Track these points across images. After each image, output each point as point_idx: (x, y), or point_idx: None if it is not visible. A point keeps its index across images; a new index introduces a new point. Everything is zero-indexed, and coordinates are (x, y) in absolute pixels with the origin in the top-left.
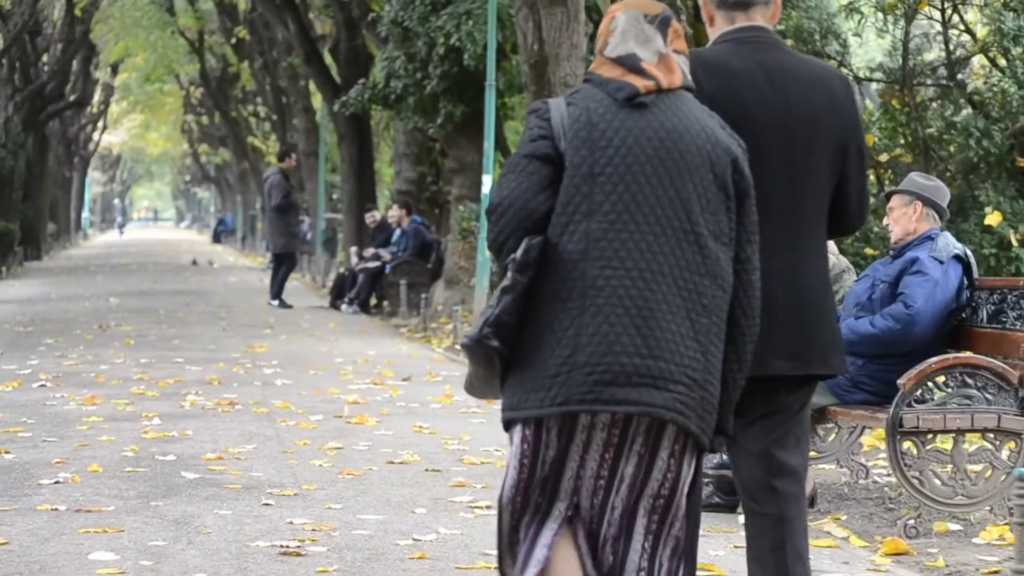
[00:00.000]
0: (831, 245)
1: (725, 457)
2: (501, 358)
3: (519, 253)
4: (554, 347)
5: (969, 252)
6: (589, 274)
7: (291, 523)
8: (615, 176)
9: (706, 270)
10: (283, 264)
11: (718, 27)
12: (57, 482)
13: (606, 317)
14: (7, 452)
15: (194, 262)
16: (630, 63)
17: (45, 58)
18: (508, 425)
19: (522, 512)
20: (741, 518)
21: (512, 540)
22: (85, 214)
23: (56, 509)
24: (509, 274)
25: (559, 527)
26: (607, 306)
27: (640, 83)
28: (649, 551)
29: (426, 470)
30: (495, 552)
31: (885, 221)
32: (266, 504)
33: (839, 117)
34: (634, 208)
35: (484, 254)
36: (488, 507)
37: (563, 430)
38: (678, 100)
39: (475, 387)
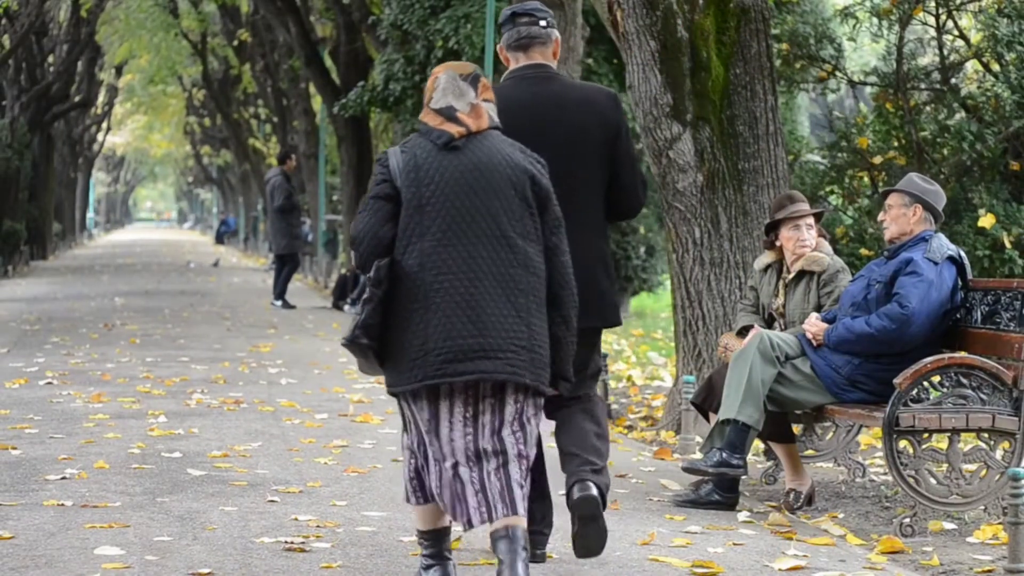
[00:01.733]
0: (827, 247)
1: (725, 455)
2: (372, 350)
3: (371, 273)
4: (412, 339)
5: (963, 253)
6: (427, 281)
7: (296, 519)
8: (438, 204)
9: (518, 263)
10: (286, 265)
11: (510, 65)
12: (64, 478)
13: (444, 312)
14: (14, 448)
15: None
16: (448, 113)
17: (51, 59)
18: (393, 395)
19: (418, 465)
20: (741, 515)
21: (414, 484)
22: (90, 214)
23: (62, 504)
24: (368, 289)
25: (449, 481)
26: (444, 303)
27: (454, 129)
28: (516, 468)
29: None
30: (403, 488)
31: (880, 218)
32: (271, 501)
33: (606, 130)
34: (455, 227)
35: None
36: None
37: (430, 399)
38: (486, 138)
39: (364, 369)
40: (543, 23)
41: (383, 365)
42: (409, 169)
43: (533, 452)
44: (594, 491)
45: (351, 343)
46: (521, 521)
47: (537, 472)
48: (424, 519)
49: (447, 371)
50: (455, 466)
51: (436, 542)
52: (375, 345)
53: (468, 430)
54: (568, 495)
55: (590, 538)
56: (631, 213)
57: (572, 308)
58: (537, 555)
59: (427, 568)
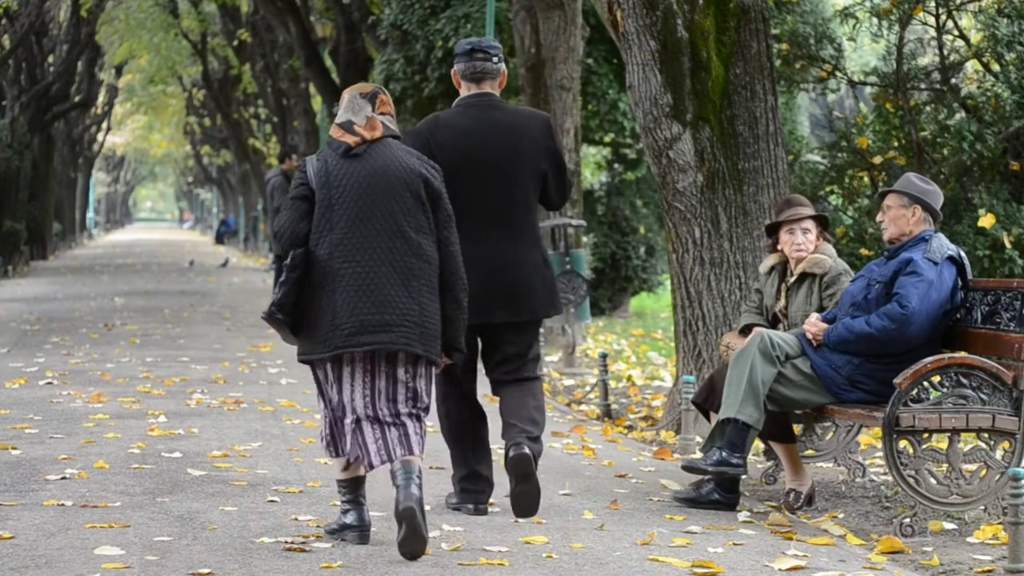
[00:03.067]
0: (830, 249)
1: (724, 454)
2: (287, 325)
3: (288, 260)
4: (322, 316)
5: (963, 253)
6: (335, 267)
7: (296, 519)
8: (345, 203)
9: (412, 253)
10: None
11: (462, 92)
12: (64, 478)
13: (349, 293)
14: (14, 448)
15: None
16: (347, 127)
17: (51, 59)
18: (304, 362)
19: (332, 423)
20: (741, 515)
21: (327, 440)
22: (90, 214)
23: (62, 504)
24: (285, 273)
25: (352, 429)
26: (349, 286)
27: (350, 139)
28: (412, 421)
29: (430, 468)
30: (324, 443)
31: (879, 218)
32: (271, 501)
33: (537, 150)
34: (359, 222)
35: None
36: (491, 504)
37: (334, 366)
38: (384, 146)
39: (285, 339)
40: (495, 59)
41: (296, 335)
42: (321, 175)
43: (427, 410)
44: (527, 451)
45: (269, 318)
46: (415, 459)
47: (482, 436)
48: (341, 469)
49: (352, 342)
50: (356, 421)
51: (353, 489)
52: (289, 320)
53: (366, 392)
54: (505, 456)
55: (527, 495)
56: (557, 208)
57: (461, 291)
58: (480, 508)
59: (345, 512)
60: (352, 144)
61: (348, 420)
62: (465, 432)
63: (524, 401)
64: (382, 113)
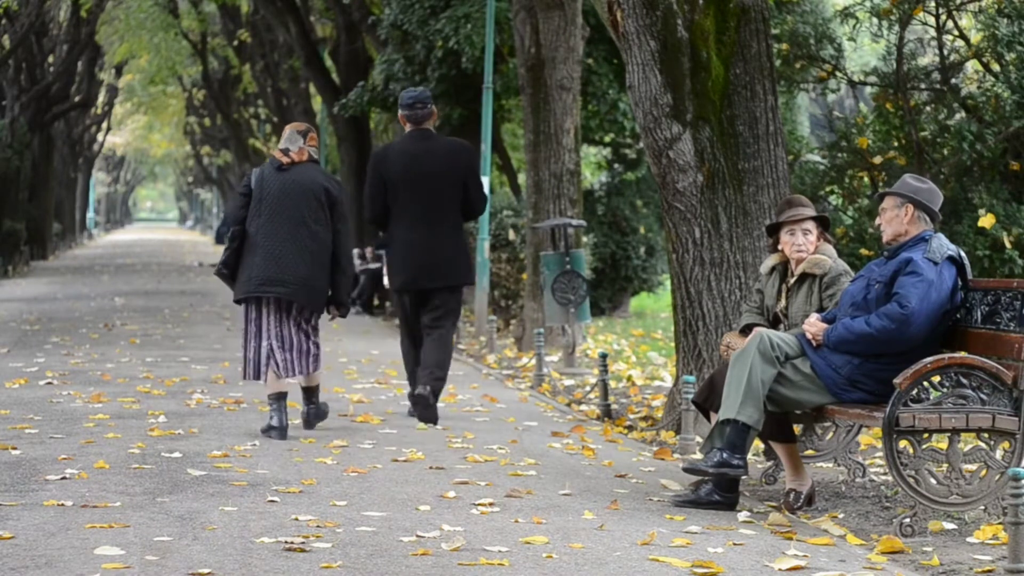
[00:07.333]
0: (830, 250)
1: (725, 455)
2: (230, 278)
3: (230, 234)
4: (245, 271)
5: (963, 253)
6: (258, 241)
7: (296, 519)
8: (269, 200)
9: (310, 237)
10: None
11: (407, 128)
12: (64, 478)
13: (263, 258)
14: (14, 448)
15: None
16: (284, 152)
17: (51, 59)
18: (236, 302)
19: (250, 347)
20: (741, 515)
21: (246, 358)
22: (90, 214)
23: (63, 504)
24: (228, 243)
25: (267, 353)
26: (265, 254)
27: (285, 160)
28: (307, 346)
29: (430, 468)
30: (244, 366)
31: (877, 221)
32: (271, 501)
33: (459, 170)
34: (277, 213)
35: (483, 255)
36: (491, 504)
37: (257, 306)
38: (304, 166)
39: (231, 288)
40: (429, 106)
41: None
42: (258, 180)
43: (316, 346)
44: (427, 390)
45: (218, 273)
46: (311, 380)
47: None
48: (270, 387)
49: (261, 290)
50: (270, 346)
51: (277, 400)
52: (230, 275)
53: (276, 327)
54: (412, 391)
55: (425, 415)
56: (477, 215)
57: (348, 265)
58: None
59: (272, 417)
60: (284, 163)
61: (264, 345)
62: (412, 362)
63: (436, 354)
64: (310, 145)
